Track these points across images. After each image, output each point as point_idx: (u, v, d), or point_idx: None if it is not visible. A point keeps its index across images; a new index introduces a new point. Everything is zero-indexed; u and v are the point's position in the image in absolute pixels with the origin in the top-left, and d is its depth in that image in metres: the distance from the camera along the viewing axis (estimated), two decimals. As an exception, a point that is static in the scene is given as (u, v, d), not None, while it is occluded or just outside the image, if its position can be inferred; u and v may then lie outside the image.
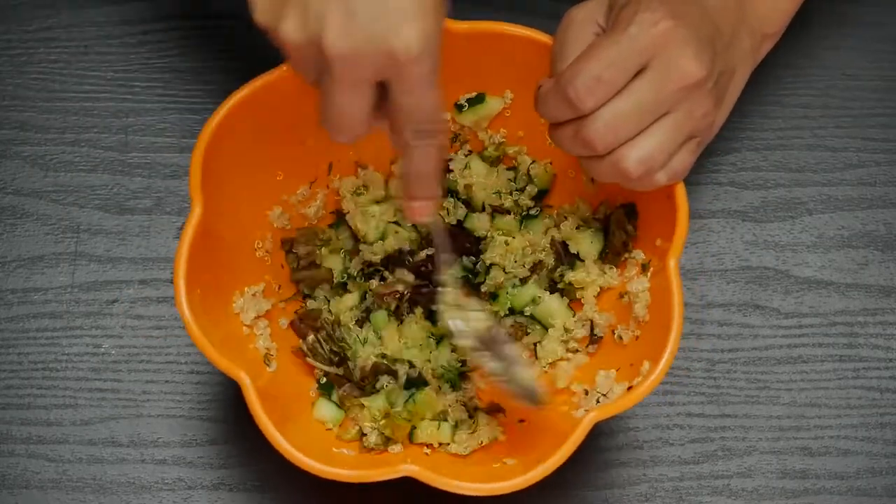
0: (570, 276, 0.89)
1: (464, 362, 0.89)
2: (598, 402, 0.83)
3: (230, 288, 0.86)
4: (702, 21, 0.79)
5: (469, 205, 0.92)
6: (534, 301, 0.89)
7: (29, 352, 0.91)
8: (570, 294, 0.90)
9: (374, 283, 0.90)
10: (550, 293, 0.89)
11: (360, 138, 0.74)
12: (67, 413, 0.90)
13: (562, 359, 0.88)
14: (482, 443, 0.85)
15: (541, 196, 0.92)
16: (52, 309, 0.93)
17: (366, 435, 0.84)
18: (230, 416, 0.90)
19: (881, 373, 0.92)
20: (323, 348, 0.88)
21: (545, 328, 0.89)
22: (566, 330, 0.88)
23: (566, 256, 0.90)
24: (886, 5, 1.02)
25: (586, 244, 0.89)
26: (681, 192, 0.81)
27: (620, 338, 0.85)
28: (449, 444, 0.85)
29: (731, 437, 0.90)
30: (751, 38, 0.85)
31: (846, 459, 0.90)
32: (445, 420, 0.86)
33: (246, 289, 0.87)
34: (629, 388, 0.80)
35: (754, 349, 0.93)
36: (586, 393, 0.84)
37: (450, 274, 0.84)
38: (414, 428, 0.86)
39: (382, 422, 0.85)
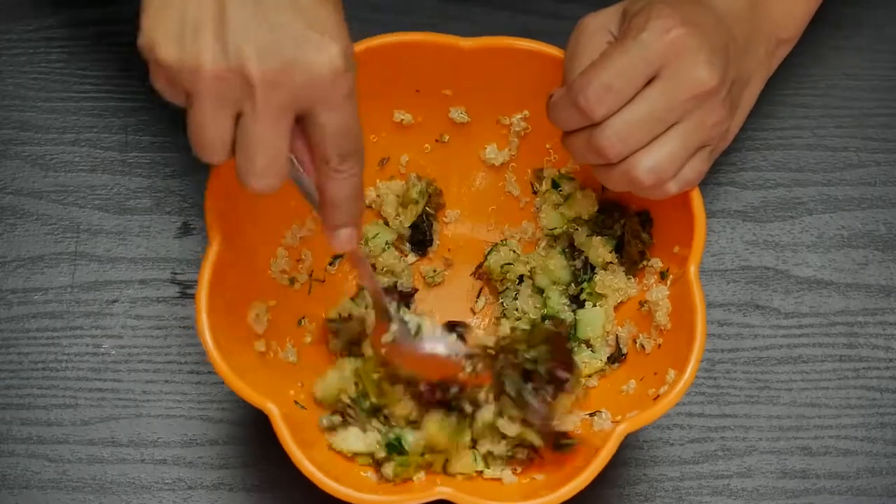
0: (597, 281, 0.88)
1: None
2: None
3: (248, 313, 0.86)
4: (716, 29, 0.78)
5: None
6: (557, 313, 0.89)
7: (29, 352, 0.91)
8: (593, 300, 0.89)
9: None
10: (578, 307, 0.89)
11: (281, 182, 0.70)
12: (67, 413, 0.90)
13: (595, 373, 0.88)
14: (517, 470, 0.84)
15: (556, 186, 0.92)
16: (52, 309, 0.93)
17: (382, 466, 0.83)
18: (230, 417, 0.90)
19: (881, 373, 0.92)
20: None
21: (581, 342, 0.88)
22: (591, 346, 0.88)
23: (587, 269, 0.90)
24: (887, 6, 1.03)
25: (603, 250, 0.88)
26: (697, 198, 0.81)
27: (642, 347, 0.85)
28: (483, 471, 0.84)
29: (731, 436, 0.90)
30: (766, 44, 0.85)
31: (846, 459, 0.90)
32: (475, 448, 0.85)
33: (263, 312, 0.86)
34: (655, 398, 0.79)
35: (754, 349, 0.93)
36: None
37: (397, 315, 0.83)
38: (447, 460, 0.84)
39: (397, 463, 0.83)
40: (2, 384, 0.91)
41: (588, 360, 0.87)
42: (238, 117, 0.69)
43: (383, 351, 0.83)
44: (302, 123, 0.70)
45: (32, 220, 0.95)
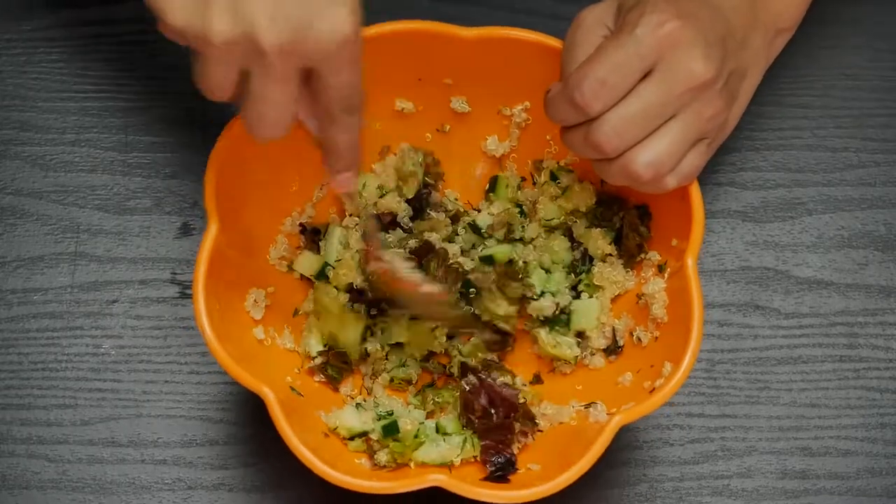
0: (595, 272, 0.88)
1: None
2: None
3: (245, 299, 0.86)
4: (712, 21, 0.78)
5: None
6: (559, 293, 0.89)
7: (29, 352, 0.91)
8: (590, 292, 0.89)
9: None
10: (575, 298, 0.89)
11: (286, 132, 0.74)
12: (67, 413, 0.90)
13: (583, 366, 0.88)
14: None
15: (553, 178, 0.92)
16: (52, 309, 0.93)
17: (376, 453, 0.83)
18: (230, 417, 0.90)
19: (881, 373, 0.92)
20: None
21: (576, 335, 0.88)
22: (586, 337, 0.88)
23: (586, 261, 0.90)
24: (886, 5, 1.02)
25: (602, 242, 0.88)
26: (695, 191, 0.81)
27: (639, 339, 0.85)
28: (476, 455, 0.84)
29: (731, 437, 0.90)
30: (763, 34, 0.85)
31: (846, 459, 0.90)
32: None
33: (261, 298, 0.86)
34: (651, 391, 0.79)
35: (754, 349, 0.93)
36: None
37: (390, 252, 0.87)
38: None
39: (391, 446, 0.84)
40: (2, 384, 0.91)
41: (569, 350, 0.87)
42: (245, 71, 0.71)
43: (371, 273, 0.88)
44: (308, 77, 0.73)
45: (32, 220, 0.95)
